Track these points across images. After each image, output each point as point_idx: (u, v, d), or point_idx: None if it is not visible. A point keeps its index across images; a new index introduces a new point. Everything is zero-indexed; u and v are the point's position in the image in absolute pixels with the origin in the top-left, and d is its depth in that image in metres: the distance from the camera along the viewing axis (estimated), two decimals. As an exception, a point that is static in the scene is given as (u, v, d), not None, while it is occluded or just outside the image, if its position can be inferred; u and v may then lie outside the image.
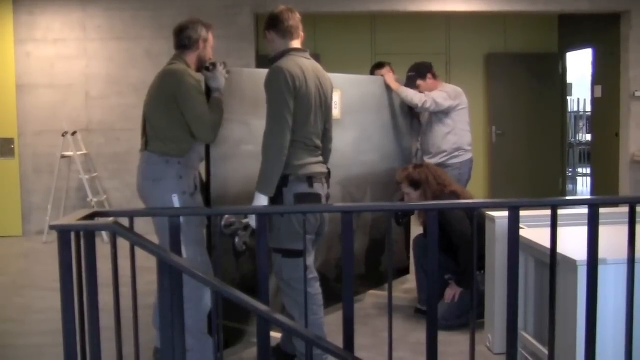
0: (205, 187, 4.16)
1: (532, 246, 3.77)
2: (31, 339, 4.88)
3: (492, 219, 4.28)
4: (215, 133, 3.95)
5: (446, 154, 5.76)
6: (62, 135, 8.57)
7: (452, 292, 4.82)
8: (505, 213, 2.95)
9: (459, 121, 5.82)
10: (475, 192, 10.44)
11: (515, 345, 2.92)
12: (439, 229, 2.88)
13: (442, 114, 5.76)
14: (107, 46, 9.01)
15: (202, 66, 4.10)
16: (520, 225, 2.97)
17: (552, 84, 10.95)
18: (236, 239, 4.26)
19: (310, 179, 3.84)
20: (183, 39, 4.10)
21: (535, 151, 10.81)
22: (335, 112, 5.17)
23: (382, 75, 5.83)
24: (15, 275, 6.97)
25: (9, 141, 8.94)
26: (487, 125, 10.88)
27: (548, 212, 2.95)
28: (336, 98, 5.16)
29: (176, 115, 3.91)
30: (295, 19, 4.03)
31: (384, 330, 4.49)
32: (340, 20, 10.48)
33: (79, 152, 8.67)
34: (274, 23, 3.95)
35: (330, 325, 4.80)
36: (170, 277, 2.57)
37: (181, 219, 3.70)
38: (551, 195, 10.18)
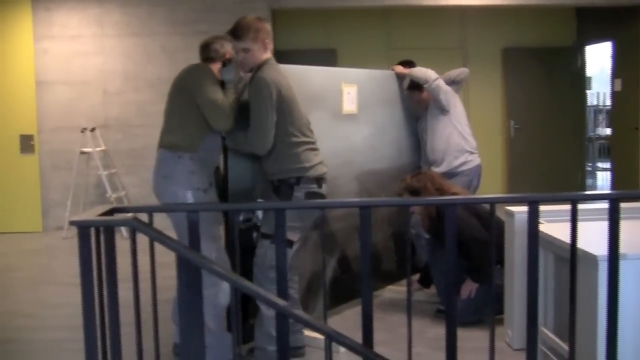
0: (222, 182, 4.18)
1: (552, 241, 3.74)
2: (50, 334, 4.92)
3: (512, 214, 4.26)
4: (230, 121, 3.92)
5: (453, 158, 5.62)
6: (82, 131, 8.63)
7: (468, 289, 4.80)
8: (525, 208, 2.93)
9: (459, 123, 5.68)
10: (494, 187, 10.45)
11: (535, 341, 2.90)
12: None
13: (442, 115, 5.63)
14: (123, 42, 9.05)
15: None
16: (540, 220, 2.95)
17: (571, 78, 10.88)
18: (254, 234, 4.27)
19: (319, 180, 4.02)
20: (210, 52, 4.17)
21: (554, 146, 10.75)
22: (352, 107, 5.17)
23: (392, 70, 5.80)
24: (35, 270, 7.02)
25: (28, 138, 9.01)
26: (505, 119, 10.84)
27: (568, 207, 2.92)
28: (353, 93, 5.15)
29: (190, 107, 3.94)
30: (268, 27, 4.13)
31: (401, 326, 4.50)
32: (356, 15, 10.46)
33: (97, 149, 8.71)
34: (254, 34, 3.97)
35: (348, 321, 4.81)
36: (189, 273, 2.57)
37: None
38: (570, 190, 10.11)
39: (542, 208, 2.94)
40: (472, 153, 5.71)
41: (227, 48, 4.17)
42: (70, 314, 5.16)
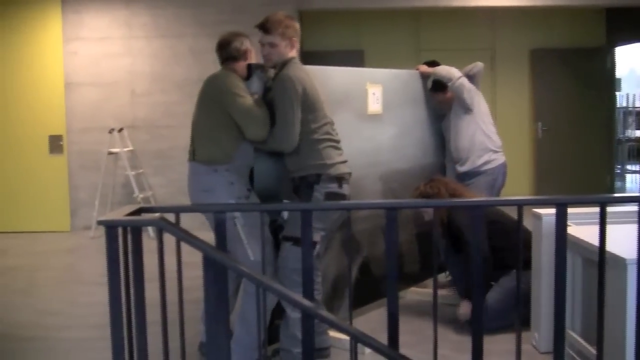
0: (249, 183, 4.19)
1: (580, 244, 3.71)
2: (78, 333, 4.97)
3: (539, 216, 4.22)
4: (266, 129, 3.90)
5: (476, 156, 5.59)
6: (109, 132, 8.71)
7: (466, 309, 4.72)
8: (552, 211, 2.91)
9: (482, 122, 5.65)
10: (521, 190, 10.38)
11: (563, 345, 2.87)
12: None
13: (465, 113, 5.60)
14: (151, 44, 9.11)
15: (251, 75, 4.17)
16: (568, 223, 2.92)
17: (600, 79, 10.77)
18: (280, 235, 4.28)
19: (340, 180, 3.98)
20: (231, 51, 4.14)
21: (582, 148, 10.65)
22: (377, 107, 5.16)
23: (417, 69, 5.78)
24: (63, 270, 7.09)
25: (57, 138, 9.11)
26: (532, 121, 10.76)
27: (596, 209, 2.89)
28: (378, 93, 5.14)
29: (221, 118, 3.92)
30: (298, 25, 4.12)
31: (426, 328, 4.47)
32: (385, 16, 10.45)
33: (125, 149, 8.78)
34: (286, 30, 3.99)
35: (372, 323, 4.80)
36: (216, 273, 2.58)
37: (241, 220, 3.83)
38: (599, 192, 10.01)
39: (570, 210, 2.91)
40: (495, 152, 5.67)
41: (247, 45, 4.17)
42: (98, 312, 5.20)
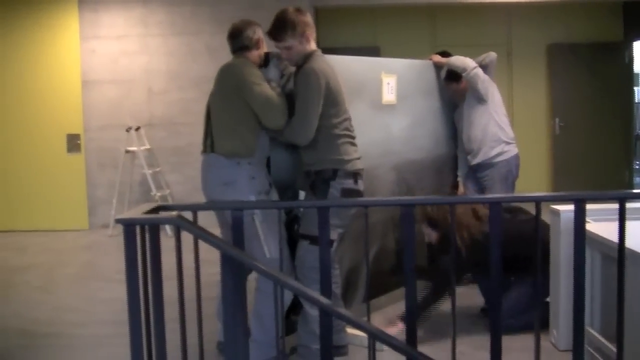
0: None
1: (599, 240, 3.68)
2: (97, 329, 5.00)
3: (557, 213, 4.20)
4: (284, 117, 3.87)
5: (489, 148, 5.57)
6: (127, 130, 8.75)
7: None
8: (571, 207, 2.89)
9: (496, 113, 5.63)
10: (538, 186, 10.32)
11: (582, 342, 2.86)
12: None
13: (479, 104, 5.59)
14: (168, 42, 9.14)
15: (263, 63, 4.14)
16: (587, 219, 2.90)
17: (618, 74, 10.68)
18: (296, 226, 4.26)
19: (356, 176, 3.96)
20: (244, 40, 4.09)
21: (600, 143, 10.57)
22: (392, 97, 5.14)
23: (430, 59, 5.76)
24: (82, 267, 7.13)
25: (75, 137, 9.16)
26: (550, 117, 10.69)
27: (615, 205, 2.87)
28: (392, 83, 5.13)
29: (241, 108, 3.88)
30: (308, 17, 4.06)
31: (443, 324, 4.46)
32: (400, 12, 10.42)
33: (142, 147, 8.82)
34: (293, 28, 3.93)
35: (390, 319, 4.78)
36: (234, 270, 2.59)
37: (260, 216, 3.81)
38: (617, 188, 9.93)
39: (589, 207, 2.89)
40: (508, 143, 5.65)
41: (260, 34, 4.13)
42: (116, 309, 5.23)
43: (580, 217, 2.79)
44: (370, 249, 4.99)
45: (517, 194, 5.07)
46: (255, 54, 4.11)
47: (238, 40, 4.11)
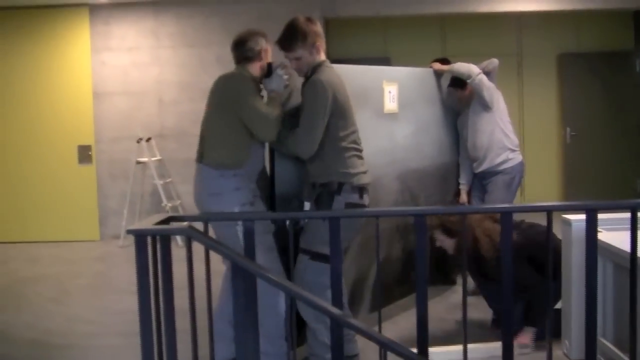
0: (270, 186, 4.13)
1: (611, 250, 3.67)
2: (109, 340, 5.00)
3: (569, 222, 4.18)
4: (276, 131, 3.84)
5: (495, 155, 5.55)
6: (137, 142, 8.78)
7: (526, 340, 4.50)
8: (582, 216, 2.88)
9: (501, 120, 5.60)
10: (549, 195, 10.29)
11: (594, 352, 2.84)
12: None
13: (484, 111, 5.56)
14: (179, 53, 9.18)
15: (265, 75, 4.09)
16: (598, 228, 2.89)
17: (629, 83, 10.64)
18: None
19: (361, 190, 3.89)
20: (246, 52, 4.06)
21: (612, 152, 10.53)
22: (393, 105, 5.12)
23: (431, 67, 5.74)
24: (94, 278, 7.15)
25: (86, 148, 9.19)
26: (560, 126, 10.66)
27: (627, 215, 2.86)
28: (394, 91, 5.11)
29: (233, 121, 3.87)
30: (319, 27, 4.01)
31: (454, 334, 4.44)
32: (411, 23, 10.43)
33: (153, 158, 8.84)
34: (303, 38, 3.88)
35: (400, 328, 4.77)
36: (245, 281, 2.59)
37: (243, 228, 3.59)
38: (629, 197, 9.88)
39: (600, 216, 2.88)
40: (513, 151, 5.63)
41: (263, 44, 4.08)
42: (127, 320, 5.23)
43: (592, 226, 2.79)
44: (375, 259, 4.93)
45: (527, 203, 5.03)
46: (257, 66, 4.07)
47: (240, 51, 4.09)
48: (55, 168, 9.24)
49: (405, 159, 5.28)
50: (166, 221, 2.80)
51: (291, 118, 3.96)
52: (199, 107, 9.17)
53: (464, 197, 5.87)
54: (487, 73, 5.68)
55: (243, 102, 3.82)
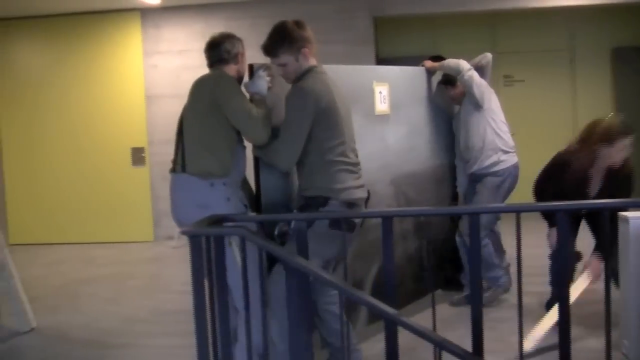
0: (255, 196, 3.91)
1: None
2: (164, 340, 5.06)
3: (626, 219, 4.10)
4: (267, 131, 3.60)
5: (485, 157, 5.31)
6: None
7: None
8: (641, 213, 2.82)
9: (493, 120, 5.35)
10: (605, 192, 10.07)
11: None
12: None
13: (475, 110, 5.34)
14: (229, 55, 9.23)
15: (242, 80, 3.92)
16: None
17: (687, 77, 10.38)
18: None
19: (351, 206, 3.62)
20: (222, 53, 3.88)
21: (669, 147, 10.27)
22: (385, 106, 4.96)
23: (423, 65, 5.57)
24: (148, 279, 7.25)
25: (139, 150, 9.33)
26: (615, 122, 10.44)
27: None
28: (385, 92, 4.97)
29: (216, 125, 3.64)
30: (309, 31, 3.78)
31: (511, 334, 4.38)
32: (460, 20, 10.34)
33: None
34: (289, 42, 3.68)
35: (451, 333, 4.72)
36: (298, 282, 2.59)
37: (238, 241, 3.20)
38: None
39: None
40: (506, 152, 5.37)
41: (239, 48, 3.93)
42: (182, 320, 5.29)
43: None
44: (375, 263, 4.78)
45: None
46: (234, 69, 3.89)
47: (214, 52, 3.91)
48: (110, 170, 9.41)
49: (399, 163, 5.09)
50: (219, 221, 2.82)
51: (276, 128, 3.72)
52: (249, 109, 9.25)
53: (461, 200, 5.72)
54: (481, 68, 5.48)
55: (229, 103, 3.61)
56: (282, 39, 3.68)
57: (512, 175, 5.38)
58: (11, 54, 9.64)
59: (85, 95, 9.42)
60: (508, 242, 5.02)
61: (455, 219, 5.60)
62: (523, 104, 10.27)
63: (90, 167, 9.46)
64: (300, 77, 3.66)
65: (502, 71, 10.34)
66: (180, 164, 3.76)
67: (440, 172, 5.65)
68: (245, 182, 3.98)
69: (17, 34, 9.58)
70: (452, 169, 5.80)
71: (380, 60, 9.30)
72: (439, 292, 5.63)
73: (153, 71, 9.34)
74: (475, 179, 5.45)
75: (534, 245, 5.29)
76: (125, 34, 9.35)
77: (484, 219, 5.19)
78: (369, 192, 3.83)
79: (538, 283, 5.23)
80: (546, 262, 5.01)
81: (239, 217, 3.07)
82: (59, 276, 7.44)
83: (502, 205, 5.22)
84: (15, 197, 9.69)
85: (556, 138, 9.68)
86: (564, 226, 2.76)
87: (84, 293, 6.62)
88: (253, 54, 9.52)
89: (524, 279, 2.88)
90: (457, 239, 5.43)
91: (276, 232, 3.72)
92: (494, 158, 5.33)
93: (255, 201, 3.90)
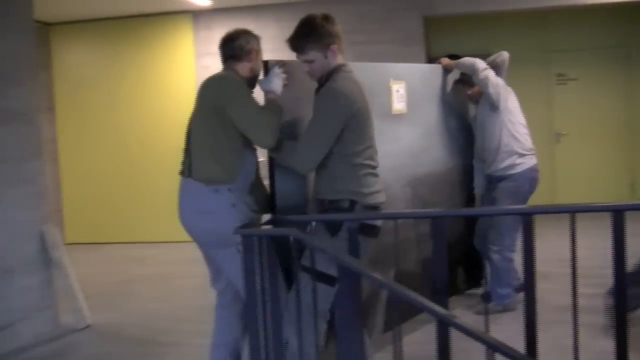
0: (270, 199, 3.79)
1: None
2: (210, 340, 5.11)
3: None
4: (274, 136, 3.43)
5: (500, 159, 5.18)
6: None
7: None
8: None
9: (509, 121, 5.20)
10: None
11: None
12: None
13: (492, 111, 5.20)
14: (280, 56, 9.20)
15: (256, 79, 3.79)
16: None
17: None
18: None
19: (376, 210, 3.50)
20: (235, 49, 3.74)
21: None
22: (402, 105, 4.87)
23: (439, 63, 5.48)
24: (198, 278, 7.31)
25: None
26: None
27: None
28: (402, 90, 4.87)
29: (223, 129, 3.49)
30: (338, 27, 3.58)
31: (564, 337, 4.31)
32: (512, 18, 10.22)
33: (261, 159, 8.95)
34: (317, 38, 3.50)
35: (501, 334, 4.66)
36: (350, 282, 2.60)
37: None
38: None
39: None
40: (522, 155, 5.21)
41: (254, 45, 3.79)
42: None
43: None
44: (391, 268, 4.63)
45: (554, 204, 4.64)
46: (246, 66, 3.77)
47: (228, 48, 3.78)
48: (161, 170, 9.50)
49: (415, 164, 5.01)
50: (270, 222, 2.84)
51: (293, 127, 3.64)
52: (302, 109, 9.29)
53: (478, 202, 5.61)
54: (496, 67, 5.37)
55: (235, 105, 3.47)
56: (309, 34, 3.51)
57: (528, 179, 5.23)
58: (66, 57, 9.84)
59: (138, 97, 9.57)
60: (561, 244, 4.93)
61: (470, 221, 5.53)
62: (577, 102, 10.11)
63: (143, 167, 9.60)
64: (327, 76, 3.50)
65: (555, 69, 10.19)
66: (187, 169, 3.66)
67: (457, 173, 5.55)
68: (259, 185, 3.86)
69: (71, 38, 9.78)
70: (469, 169, 5.67)
71: (432, 60, 9.22)
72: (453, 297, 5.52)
73: (205, 72, 9.39)
74: (491, 181, 5.35)
75: (585, 246, 5.18)
76: (177, 35, 9.47)
77: (504, 225, 5.14)
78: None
79: (586, 285, 5.14)
80: (594, 264, 4.90)
81: (291, 218, 3.09)
82: (111, 275, 7.58)
83: (561, 205, 5.15)
84: (70, 197, 9.89)
85: (611, 137, 9.58)
86: None
87: (135, 291, 6.73)
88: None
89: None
90: (476, 240, 5.36)
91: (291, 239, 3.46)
92: (508, 161, 5.20)
93: (269, 204, 3.78)
